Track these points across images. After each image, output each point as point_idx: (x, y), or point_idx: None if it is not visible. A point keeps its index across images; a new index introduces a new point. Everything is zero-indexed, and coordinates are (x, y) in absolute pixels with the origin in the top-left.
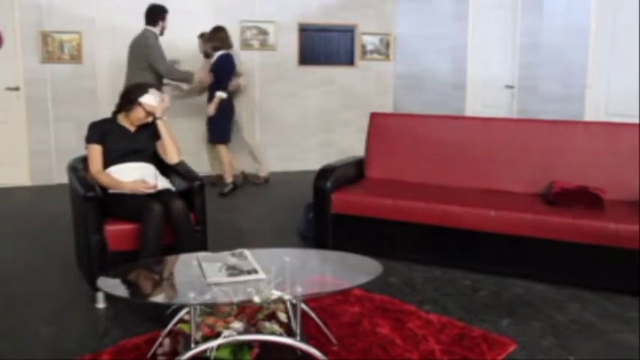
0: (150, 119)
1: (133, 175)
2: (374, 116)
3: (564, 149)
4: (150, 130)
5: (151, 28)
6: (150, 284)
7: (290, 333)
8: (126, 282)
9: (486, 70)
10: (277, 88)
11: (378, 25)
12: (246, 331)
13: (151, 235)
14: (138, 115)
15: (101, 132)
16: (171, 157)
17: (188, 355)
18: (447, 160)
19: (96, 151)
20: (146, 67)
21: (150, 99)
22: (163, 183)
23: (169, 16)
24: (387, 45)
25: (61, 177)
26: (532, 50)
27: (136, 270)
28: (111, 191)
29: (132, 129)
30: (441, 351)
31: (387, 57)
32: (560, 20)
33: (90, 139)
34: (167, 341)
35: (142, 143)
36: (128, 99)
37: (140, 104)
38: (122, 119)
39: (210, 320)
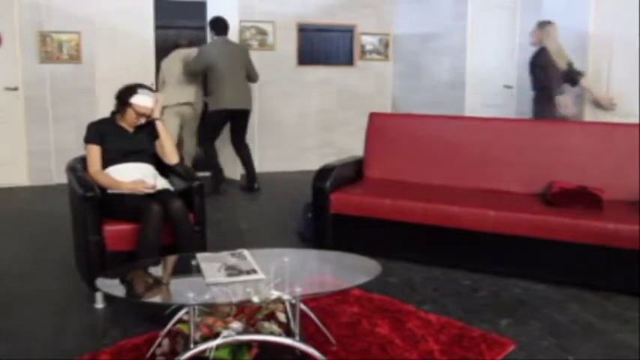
0: (142, 120)
1: (133, 176)
2: (373, 116)
3: (564, 149)
4: (149, 130)
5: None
6: (149, 284)
7: (289, 333)
8: (125, 282)
9: (486, 70)
10: (276, 88)
11: (377, 25)
12: (245, 331)
13: (150, 235)
14: (130, 117)
15: (100, 132)
16: (170, 158)
17: (187, 355)
18: (446, 160)
19: (95, 152)
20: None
21: (140, 99)
22: (162, 183)
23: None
24: (387, 45)
25: (61, 177)
26: (532, 50)
27: (134, 270)
28: (110, 191)
29: (130, 129)
30: (440, 351)
31: (386, 57)
32: (559, 20)
33: (89, 139)
34: (166, 341)
35: (141, 144)
36: (121, 101)
37: (131, 105)
38: (120, 120)
39: (210, 320)
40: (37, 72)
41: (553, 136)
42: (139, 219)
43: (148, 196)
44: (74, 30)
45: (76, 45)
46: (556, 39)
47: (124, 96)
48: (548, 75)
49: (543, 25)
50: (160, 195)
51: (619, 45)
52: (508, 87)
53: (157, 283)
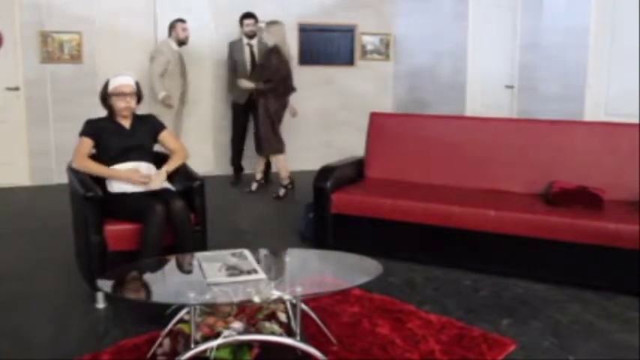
0: (132, 104)
1: None
2: (374, 116)
3: (564, 149)
4: (146, 126)
5: None
6: (150, 284)
7: (290, 333)
8: (126, 282)
9: (486, 70)
10: None
11: (377, 25)
12: (246, 331)
13: (153, 235)
14: (117, 104)
15: (96, 128)
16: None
17: (188, 355)
18: (447, 160)
19: (85, 144)
20: None
21: (116, 81)
22: (163, 183)
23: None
24: (387, 45)
25: (61, 177)
26: (532, 50)
27: (136, 270)
28: (112, 191)
29: (127, 125)
30: (440, 351)
31: (386, 57)
32: (560, 20)
33: (83, 132)
34: (167, 341)
35: (139, 139)
36: (102, 97)
37: (111, 93)
38: (115, 116)
39: (210, 320)
40: (38, 72)
41: (553, 136)
42: (142, 219)
43: (151, 196)
44: (75, 30)
45: (77, 45)
46: (284, 38)
47: (103, 91)
48: (280, 71)
49: (272, 24)
50: (161, 195)
51: (619, 45)
52: (508, 87)
53: (158, 283)
